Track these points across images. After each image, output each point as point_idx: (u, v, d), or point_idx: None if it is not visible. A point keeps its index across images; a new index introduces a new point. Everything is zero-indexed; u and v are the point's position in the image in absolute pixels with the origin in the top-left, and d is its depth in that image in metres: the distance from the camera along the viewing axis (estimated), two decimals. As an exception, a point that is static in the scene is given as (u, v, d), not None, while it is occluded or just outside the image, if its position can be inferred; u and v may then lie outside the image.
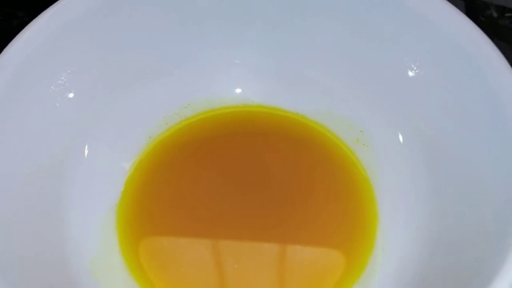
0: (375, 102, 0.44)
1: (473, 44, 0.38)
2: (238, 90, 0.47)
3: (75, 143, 0.42)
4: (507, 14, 0.45)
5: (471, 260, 0.34)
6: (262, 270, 0.40)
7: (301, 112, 0.46)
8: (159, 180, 0.44)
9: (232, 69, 0.46)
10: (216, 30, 0.45)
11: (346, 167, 0.44)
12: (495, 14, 0.46)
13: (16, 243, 0.35)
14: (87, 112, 0.42)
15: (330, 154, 0.45)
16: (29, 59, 0.39)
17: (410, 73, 0.42)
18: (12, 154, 0.38)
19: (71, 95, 0.41)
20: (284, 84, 0.46)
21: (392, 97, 0.43)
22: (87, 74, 0.42)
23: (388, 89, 0.44)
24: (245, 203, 0.43)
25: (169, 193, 0.43)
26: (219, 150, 0.45)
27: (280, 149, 0.45)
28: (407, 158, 0.43)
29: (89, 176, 0.42)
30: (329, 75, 0.45)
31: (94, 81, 0.42)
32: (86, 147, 0.43)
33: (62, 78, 0.41)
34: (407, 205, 0.42)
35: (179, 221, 0.42)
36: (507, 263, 0.31)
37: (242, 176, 0.44)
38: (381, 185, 0.43)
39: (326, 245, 0.41)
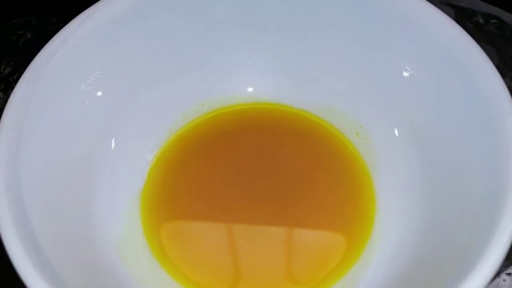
0: (373, 100, 0.46)
1: (461, 47, 0.40)
2: (250, 89, 0.49)
3: (103, 136, 0.44)
4: (492, 21, 0.46)
5: (460, 241, 0.36)
6: (271, 251, 0.42)
7: (306, 109, 0.48)
8: (179, 170, 0.46)
9: (245, 70, 0.49)
10: (231, 35, 0.47)
11: (347, 159, 0.46)
12: (481, 21, 0.47)
13: (51, 225, 0.37)
14: (113, 108, 0.44)
15: (332, 146, 0.47)
16: (61, 61, 0.40)
17: (405, 74, 0.44)
18: (49, 146, 0.40)
19: (99, 93, 0.43)
20: (291, 84, 0.49)
21: (388, 95, 0.45)
22: (114, 75, 0.44)
23: (385, 88, 0.45)
24: (256, 190, 0.45)
25: (188, 182, 0.46)
26: (232, 143, 0.47)
27: (287, 142, 0.47)
28: (402, 150, 0.44)
29: (115, 166, 0.44)
30: (332, 75, 0.47)
31: (120, 81, 0.44)
32: (113, 140, 0.45)
33: (91, 78, 0.43)
34: (402, 193, 0.44)
35: (196, 207, 0.44)
36: (492, 245, 0.32)
37: (253, 167, 0.46)
38: (379, 175, 0.45)
39: (329, 229, 0.44)
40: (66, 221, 0.39)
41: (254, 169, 0.46)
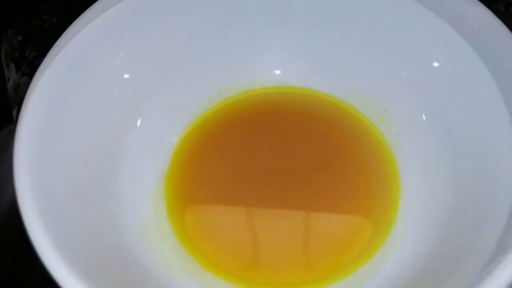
0: (400, 85, 0.46)
1: (496, 37, 0.40)
2: (277, 71, 0.49)
3: (129, 118, 0.44)
4: (512, 8, 0.46)
5: (486, 230, 0.36)
6: (295, 236, 0.43)
7: (331, 93, 0.48)
8: (203, 153, 0.46)
9: (272, 52, 0.48)
10: (258, 16, 0.47)
11: (371, 143, 0.46)
12: (501, 8, 0.47)
13: (74, 208, 0.37)
14: (139, 91, 0.44)
15: (357, 130, 0.47)
16: (86, 42, 0.40)
17: (436, 64, 0.44)
18: (74, 128, 0.40)
19: (126, 76, 0.43)
20: (317, 67, 0.48)
21: (416, 82, 0.45)
22: (138, 58, 0.44)
23: (413, 75, 0.45)
24: (280, 174, 0.45)
25: (212, 165, 0.46)
26: (257, 127, 0.47)
27: (312, 126, 0.47)
28: (428, 136, 0.44)
29: (141, 148, 0.44)
30: (359, 59, 0.47)
31: (144, 64, 0.44)
32: (139, 121, 0.44)
33: (116, 61, 0.43)
34: (427, 178, 0.43)
35: (220, 191, 0.45)
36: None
37: (277, 151, 0.46)
38: (403, 159, 0.45)
39: (354, 213, 0.44)
40: (90, 204, 0.39)
41: (278, 153, 0.46)
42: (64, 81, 0.39)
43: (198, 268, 0.42)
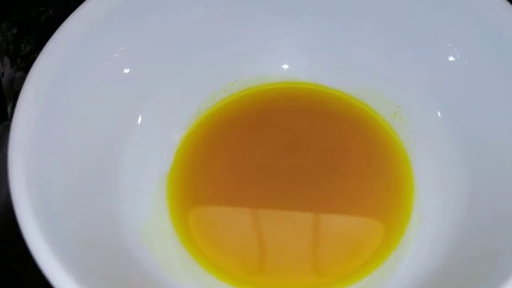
0: (414, 80, 0.45)
1: None
2: (285, 66, 0.47)
3: (130, 115, 0.43)
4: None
5: (505, 231, 0.35)
6: (303, 238, 0.41)
7: (342, 89, 0.47)
8: (207, 152, 0.45)
9: (279, 46, 0.47)
10: (265, 8, 0.45)
11: (383, 141, 0.45)
12: None
13: (74, 206, 0.36)
14: (140, 87, 0.43)
15: (368, 128, 0.46)
16: (84, 35, 0.39)
17: (451, 58, 0.42)
18: (71, 125, 0.39)
19: (126, 70, 0.42)
20: (327, 62, 0.47)
21: (431, 78, 0.44)
22: (139, 52, 0.43)
23: (428, 70, 0.44)
24: (287, 174, 0.44)
25: (216, 164, 0.44)
26: (263, 125, 0.46)
27: (321, 124, 0.46)
28: (443, 132, 0.43)
29: (142, 146, 0.43)
30: (372, 54, 0.46)
31: (146, 58, 0.43)
32: (140, 118, 0.43)
33: (116, 55, 0.41)
34: (442, 177, 0.42)
35: (224, 191, 0.43)
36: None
37: (284, 149, 0.45)
38: (417, 158, 0.44)
39: (365, 214, 0.42)
40: (88, 204, 0.38)
41: (286, 152, 0.45)
42: (61, 75, 0.38)
43: (201, 271, 0.40)
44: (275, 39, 0.46)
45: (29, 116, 0.36)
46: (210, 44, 0.45)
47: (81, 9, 0.39)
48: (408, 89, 0.45)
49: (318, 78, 0.47)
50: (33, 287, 0.36)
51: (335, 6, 0.45)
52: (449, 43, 0.43)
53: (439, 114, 0.44)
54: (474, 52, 0.41)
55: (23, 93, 0.36)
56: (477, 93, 0.41)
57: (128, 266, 0.38)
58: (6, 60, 0.46)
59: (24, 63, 0.47)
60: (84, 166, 0.39)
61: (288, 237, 0.41)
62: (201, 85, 0.46)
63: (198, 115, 0.46)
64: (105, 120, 0.41)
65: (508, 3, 0.39)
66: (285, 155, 0.44)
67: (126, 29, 0.41)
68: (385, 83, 0.46)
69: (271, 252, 0.41)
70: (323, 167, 0.44)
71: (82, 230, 0.36)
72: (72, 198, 0.37)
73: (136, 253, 0.39)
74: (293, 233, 0.42)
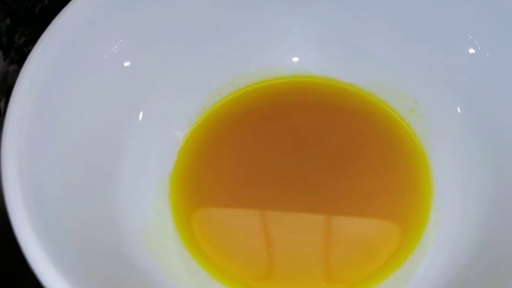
0: (432, 74, 0.43)
1: None
2: (295, 59, 0.46)
3: (130, 111, 0.42)
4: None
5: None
6: (313, 241, 0.40)
7: (355, 83, 0.45)
8: (212, 150, 0.44)
9: (289, 38, 0.46)
10: None
11: (399, 138, 0.44)
12: None
13: (71, 207, 0.35)
14: (141, 81, 0.42)
15: (383, 124, 0.44)
16: (81, 26, 0.38)
17: (472, 50, 0.41)
18: (70, 121, 0.38)
19: (126, 63, 0.41)
20: (340, 55, 0.46)
21: (450, 71, 0.43)
22: (140, 44, 0.41)
23: (447, 63, 0.43)
24: (298, 173, 0.42)
25: (221, 164, 0.43)
26: (272, 121, 0.45)
27: (333, 120, 0.45)
28: (464, 130, 0.42)
29: (143, 144, 0.42)
30: (387, 46, 0.44)
31: (147, 51, 0.42)
32: (141, 114, 0.42)
33: (115, 48, 0.40)
34: (462, 177, 0.41)
35: (230, 191, 0.42)
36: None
37: (294, 147, 0.44)
38: (436, 157, 0.42)
39: (380, 216, 0.41)
40: (86, 205, 0.37)
41: (295, 150, 0.43)
42: (57, 69, 0.36)
43: (206, 277, 0.39)
44: (285, 30, 0.45)
45: (23, 113, 0.34)
46: (216, 35, 0.44)
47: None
48: (425, 83, 0.44)
49: (331, 72, 0.46)
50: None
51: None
52: (469, 35, 0.41)
53: (458, 110, 0.42)
54: (496, 44, 0.40)
55: (17, 88, 0.35)
56: (499, 88, 0.40)
57: (128, 272, 0.37)
58: (-1, 53, 0.45)
59: (18, 56, 0.46)
60: (81, 164, 0.38)
61: (298, 240, 0.40)
62: (206, 79, 0.45)
63: (203, 110, 0.45)
64: (104, 116, 0.40)
65: None
66: (295, 153, 0.43)
67: (126, 19, 0.40)
68: (402, 77, 0.44)
69: (280, 256, 0.40)
70: (335, 166, 0.43)
71: (79, 233, 0.35)
72: (68, 198, 0.35)
73: (137, 258, 0.38)
74: (304, 235, 0.40)
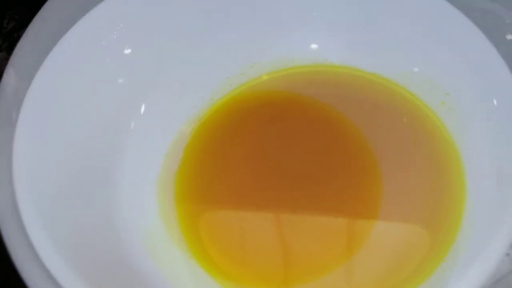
0: (465, 63, 0.41)
1: None
2: (314, 46, 0.44)
3: (130, 103, 0.42)
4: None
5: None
6: (335, 247, 0.39)
7: (380, 73, 0.44)
8: (221, 146, 0.43)
9: (307, 23, 0.44)
10: None
11: (430, 133, 0.42)
12: None
13: (70, 206, 0.36)
14: (144, 70, 0.42)
15: (412, 118, 0.42)
16: (82, 48, 0.39)
17: (510, 36, 0.39)
18: (69, 130, 0.38)
19: (127, 51, 0.41)
20: (363, 42, 0.44)
21: (486, 59, 0.40)
22: (142, 29, 0.41)
23: (481, 50, 0.40)
24: (311, 173, 0.41)
25: (231, 161, 0.43)
26: (287, 115, 0.44)
27: (355, 113, 0.43)
28: (500, 124, 0.39)
29: (144, 140, 0.42)
30: (415, 31, 0.42)
31: (151, 36, 0.42)
32: (143, 108, 0.42)
33: (115, 33, 0.40)
34: (498, 176, 0.38)
35: (239, 191, 0.41)
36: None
37: (309, 144, 0.42)
38: (469, 153, 0.40)
39: (409, 220, 0.40)
40: (85, 206, 0.37)
41: (310, 147, 0.42)
42: (62, 79, 0.38)
43: (213, 285, 0.38)
44: (302, 14, 0.44)
45: (32, 122, 0.37)
46: (226, 21, 0.43)
47: (78, 25, 0.39)
48: (458, 72, 0.41)
49: (354, 61, 0.44)
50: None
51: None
52: (507, 19, 0.39)
53: (495, 102, 0.39)
54: None
55: (27, 100, 0.37)
56: None
57: (129, 279, 0.37)
58: (11, 71, 0.45)
59: (6, 42, 0.46)
60: (82, 162, 0.38)
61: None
62: (215, 69, 0.44)
63: (211, 103, 0.44)
64: (102, 125, 0.40)
65: None
66: (309, 152, 0.42)
67: (119, 43, 0.41)
68: (431, 66, 0.42)
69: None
70: (358, 164, 0.42)
71: (80, 229, 0.36)
72: (71, 199, 0.37)
73: (139, 265, 0.37)
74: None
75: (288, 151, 0.42)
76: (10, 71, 0.40)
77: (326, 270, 0.38)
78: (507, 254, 0.36)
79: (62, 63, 0.38)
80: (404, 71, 0.43)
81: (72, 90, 0.39)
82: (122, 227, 0.38)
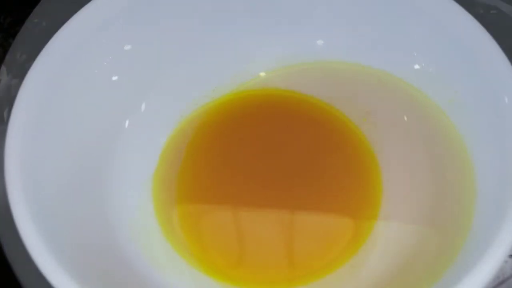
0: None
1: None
2: (262, 74, 0.45)
3: (117, 119, 0.42)
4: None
5: (469, 230, 0.35)
6: (281, 234, 0.41)
7: (315, 95, 0.44)
8: (190, 153, 0.44)
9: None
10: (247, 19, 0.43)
11: (354, 143, 0.43)
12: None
13: (67, 204, 0.36)
14: (128, 93, 0.42)
15: (340, 132, 0.43)
16: (75, 46, 0.39)
17: (417, 66, 0.41)
18: (64, 129, 0.39)
19: (114, 77, 0.42)
20: (301, 72, 0.44)
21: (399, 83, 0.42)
22: (127, 60, 0.42)
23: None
24: (267, 174, 0.42)
25: (199, 165, 0.43)
26: (244, 128, 0.44)
27: (298, 128, 0.44)
28: (410, 135, 0.41)
29: (128, 148, 0.42)
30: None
31: (134, 66, 0.42)
32: (127, 122, 0.43)
33: (105, 63, 0.41)
34: (408, 177, 0.41)
35: (208, 190, 0.43)
36: (497, 242, 0.31)
37: (264, 151, 0.43)
38: (386, 159, 0.42)
39: (338, 212, 0.41)
40: (81, 203, 0.38)
41: (264, 154, 0.43)
42: (54, 82, 0.38)
43: (186, 266, 0.40)
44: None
45: (24, 120, 0.36)
46: (192, 52, 0.44)
47: (72, 20, 0.39)
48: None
49: (294, 86, 0.45)
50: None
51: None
52: (415, 52, 0.41)
53: (405, 118, 0.42)
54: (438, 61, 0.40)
55: (18, 100, 0.37)
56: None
57: (119, 263, 0.38)
58: (3, 69, 0.46)
59: (19, 71, 0.47)
60: (76, 167, 0.39)
61: (267, 234, 0.41)
62: (184, 91, 0.45)
63: (181, 119, 0.44)
64: (95, 124, 0.41)
65: None
66: (264, 157, 0.43)
67: (113, 39, 0.41)
68: (354, 89, 0.44)
69: (252, 248, 0.41)
70: (300, 169, 0.43)
71: (74, 229, 0.36)
72: (64, 198, 0.37)
73: (126, 250, 0.39)
74: (272, 230, 0.41)
75: (288, 150, 0.43)
76: (2, 69, 0.42)
77: (273, 253, 0.40)
78: (511, 256, 0.39)
79: (55, 60, 0.38)
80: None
81: (66, 87, 0.39)
82: (112, 220, 0.39)
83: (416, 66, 0.42)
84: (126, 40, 0.42)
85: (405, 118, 0.42)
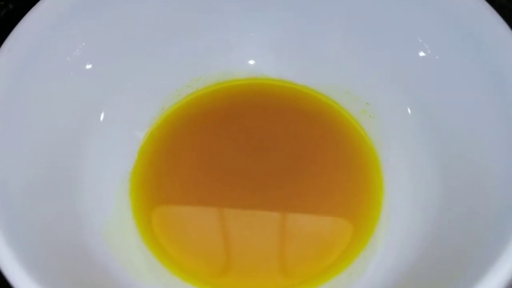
0: (383, 76, 0.44)
1: (486, 26, 0.38)
2: (251, 62, 0.46)
3: (91, 110, 0.42)
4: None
5: (476, 234, 0.34)
6: (270, 238, 0.41)
7: (309, 85, 0.46)
8: (171, 149, 0.44)
9: (246, 42, 0.46)
10: (233, 1, 0.44)
11: (353, 138, 0.44)
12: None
13: (34, 202, 0.36)
14: (102, 82, 0.42)
15: (337, 125, 0.44)
16: (45, 30, 0.38)
17: (422, 53, 0.41)
18: (31, 121, 0.38)
19: (88, 66, 0.41)
20: (295, 58, 0.46)
21: (401, 74, 0.43)
22: (101, 47, 0.42)
23: (397, 66, 0.43)
24: (253, 173, 0.43)
25: (180, 162, 0.43)
26: (229, 122, 0.45)
27: (289, 121, 0.45)
28: (414, 130, 0.42)
29: (104, 143, 0.42)
30: (339, 49, 0.45)
31: (109, 53, 0.42)
32: (102, 114, 0.42)
33: (78, 51, 0.40)
34: (412, 176, 0.41)
35: (189, 189, 0.42)
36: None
37: (251, 147, 0.44)
38: (387, 156, 0.43)
39: (334, 214, 0.41)
40: (49, 201, 0.37)
41: (252, 150, 0.44)
42: (21, 71, 0.37)
43: (165, 272, 0.39)
44: (241, 34, 0.45)
45: None
46: (175, 38, 0.44)
47: (42, 3, 0.38)
48: (377, 85, 0.44)
49: (286, 74, 0.46)
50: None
51: (306, 5, 0.44)
52: (419, 38, 0.42)
53: (409, 110, 0.43)
54: (445, 48, 0.40)
55: None
56: (448, 90, 0.40)
57: (91, 267, 0.37)
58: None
59: None
60: (44, 164, 0.38)
61: (255, 237, 0.40)
62: (165, 81, 0.45)
63: (162, 111, 0.45)
64: (66, 117, 0.40)
65: None
66: (252, 154, 0.43)
67: (88, 24, 0.40)
68: (354, 79, 0.45)
69: (237, 252, 0.40)
70: (291, 166, 0.43)
71: (42, 229, 0.35)
72: (31, 196, 0.36)
73: (99, 254, 0.38)
74: (260, 233, 0.41)
75: (231, 153, 0.43)
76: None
77: (263, 258, 0.40)
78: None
79: (22, 47, 0.37)
80: (330, 83, 0.45)
81: (35, 76, 0.38)
82: (84, 221, 0.39)
83: (334, 82, 0.45)
84: (100, 25, 0.41)
85: (322, 125, 0.44)
